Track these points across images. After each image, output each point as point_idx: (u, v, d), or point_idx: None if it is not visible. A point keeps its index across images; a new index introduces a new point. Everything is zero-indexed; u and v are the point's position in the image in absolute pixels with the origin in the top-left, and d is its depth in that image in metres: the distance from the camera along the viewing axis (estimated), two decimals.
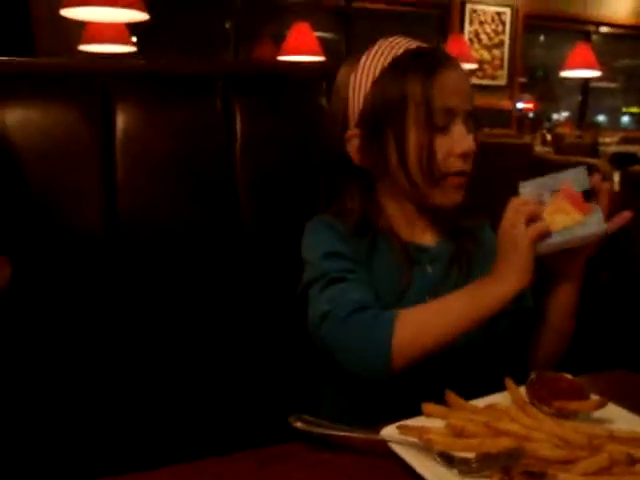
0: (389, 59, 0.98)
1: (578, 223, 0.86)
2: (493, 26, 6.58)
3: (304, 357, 1.14)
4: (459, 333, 0.89)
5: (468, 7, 6.52)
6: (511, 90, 6.78)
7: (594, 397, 0.81)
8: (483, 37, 6.56)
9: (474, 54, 6.25)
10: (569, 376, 0.85)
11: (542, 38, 7.76)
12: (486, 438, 0.74)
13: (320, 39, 4.99)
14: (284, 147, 1.23)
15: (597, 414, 0.80)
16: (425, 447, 0.72)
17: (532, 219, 0.86)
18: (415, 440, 0.73)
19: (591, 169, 0.90)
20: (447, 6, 6.55)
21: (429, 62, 0.96)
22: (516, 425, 0.75)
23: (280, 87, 1.29)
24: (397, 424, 0.76)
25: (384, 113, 0.97)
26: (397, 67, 0.97)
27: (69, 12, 2.91)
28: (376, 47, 1.01)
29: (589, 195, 0.87)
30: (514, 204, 0.89)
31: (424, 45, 1.01)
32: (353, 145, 1.01)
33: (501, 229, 0.89)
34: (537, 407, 0.80)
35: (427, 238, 1.03)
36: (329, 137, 1.05)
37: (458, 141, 0.96)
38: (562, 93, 8.17)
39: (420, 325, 0.88)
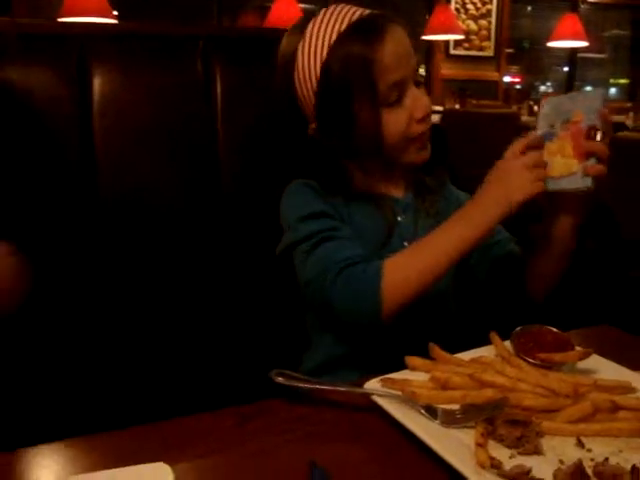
0: (325, 54, 0.95)
1: (570, 173, 0.86)
2: None
3: (283, 316, 1.14)
4: (444, 268, 0.88)
5: None
6: (498, 61, 6.72)
7: (579, 348, 0.81)
8: (470, 7, 6.46)
9: (461, 24, 6.16)
10: (554, 329, 0.85)
11: (529, 8, 7.68)
12: (471, 390, 0.74)
13: (304, 11, 4.94)
14: (264, 109, 1.20)
15: (582, 365, 0.80)
16: (408, 400, 0.71)
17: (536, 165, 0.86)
18: (398, 393, 0.73)
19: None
20: None
21: (361, 51, 0.93)
22: (501, 377, 0.75)
23: (261, 49, 1.26)
24: (380, 377, 0.75)
25: (335, 111, 0.97)
26: (332, 68, 0.95)
27: None
28: (307, 44, 0.97)
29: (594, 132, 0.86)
30: (516, 147, 0.88)
31: (353, 17, 0.97)
32: (315, 133, 1.02)
33: (498, 164, 0.89)
34: (522, 359, 0.79)
35: (396, 191, 1.07)
36: (288, 125, 1.06)
37: (415, 106, 0.97)
38: (549, 64, 8.12)
39: (406, 267, 0.89)
